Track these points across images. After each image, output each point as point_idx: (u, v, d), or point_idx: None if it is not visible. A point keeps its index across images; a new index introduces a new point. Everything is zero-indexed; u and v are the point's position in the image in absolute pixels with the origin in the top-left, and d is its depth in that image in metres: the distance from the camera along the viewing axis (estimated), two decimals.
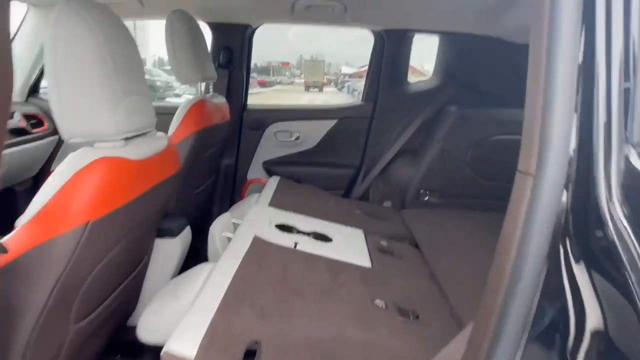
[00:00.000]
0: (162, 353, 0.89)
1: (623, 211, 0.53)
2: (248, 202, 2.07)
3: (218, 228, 1.57)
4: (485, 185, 2.21)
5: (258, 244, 1.39)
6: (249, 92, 2.45)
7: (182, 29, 1.56)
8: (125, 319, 1.37)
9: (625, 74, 0.54)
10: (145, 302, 1.32)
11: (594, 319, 0.52)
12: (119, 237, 1.02)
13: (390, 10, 2.06)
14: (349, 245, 1.58)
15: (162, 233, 1.41)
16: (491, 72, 2.27)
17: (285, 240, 1.50)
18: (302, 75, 33.46)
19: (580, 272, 0.54)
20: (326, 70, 35.13)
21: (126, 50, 0.96)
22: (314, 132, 2.44)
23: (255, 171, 2.47)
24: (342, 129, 2.42)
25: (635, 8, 0.54)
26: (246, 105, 2.44)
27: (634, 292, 0.50)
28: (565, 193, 0.55)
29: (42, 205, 0.84)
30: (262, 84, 26.00)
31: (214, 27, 2.24)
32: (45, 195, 0.84)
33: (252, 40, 2.37)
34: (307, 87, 27.50)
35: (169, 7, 1.60)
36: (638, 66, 0.54)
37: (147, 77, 1.15)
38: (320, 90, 27.02)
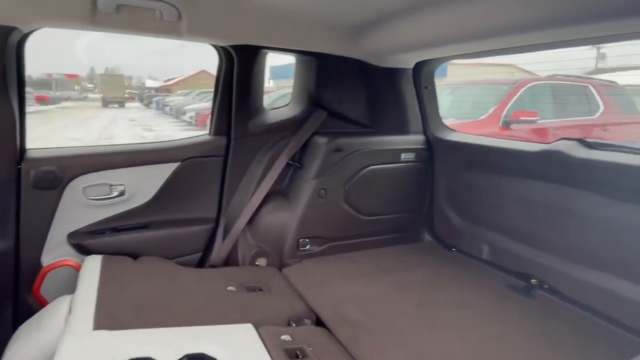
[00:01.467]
0: None
1: None
2: (53, 316, 1.27)
3: None
4: (364, 221, 2.02)
5: None
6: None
7: None
8: None
9: None
10: None
11: None
12: None
13: (241, 22, 1.61)
14: None
15: None
16: (355, 97, 2.07)
17: None
18: (97, 90, 29.34)
19: None
20: (127, 84, 31.69)
21: None
22: (146, 182, 1.75)
23: (54, 251, 1.60)
24: (188, 173, 1.81)
25: None
26: (25, 150, 1.56)
27: None
28: None
29: None
30: (43, 101, 21.28)
31: None
32: None
33: (22, 50, 1.52)
34: (106, 103, 24.27)
35: None
36: None
37: None
38: (121, 105, 24.39)
